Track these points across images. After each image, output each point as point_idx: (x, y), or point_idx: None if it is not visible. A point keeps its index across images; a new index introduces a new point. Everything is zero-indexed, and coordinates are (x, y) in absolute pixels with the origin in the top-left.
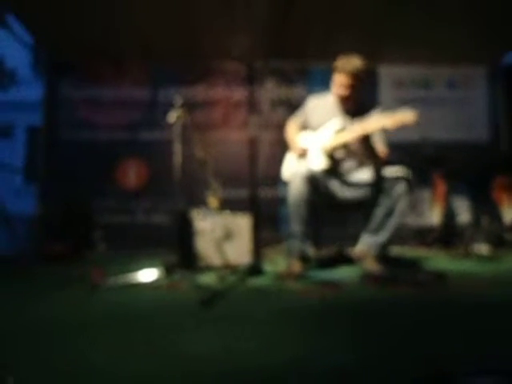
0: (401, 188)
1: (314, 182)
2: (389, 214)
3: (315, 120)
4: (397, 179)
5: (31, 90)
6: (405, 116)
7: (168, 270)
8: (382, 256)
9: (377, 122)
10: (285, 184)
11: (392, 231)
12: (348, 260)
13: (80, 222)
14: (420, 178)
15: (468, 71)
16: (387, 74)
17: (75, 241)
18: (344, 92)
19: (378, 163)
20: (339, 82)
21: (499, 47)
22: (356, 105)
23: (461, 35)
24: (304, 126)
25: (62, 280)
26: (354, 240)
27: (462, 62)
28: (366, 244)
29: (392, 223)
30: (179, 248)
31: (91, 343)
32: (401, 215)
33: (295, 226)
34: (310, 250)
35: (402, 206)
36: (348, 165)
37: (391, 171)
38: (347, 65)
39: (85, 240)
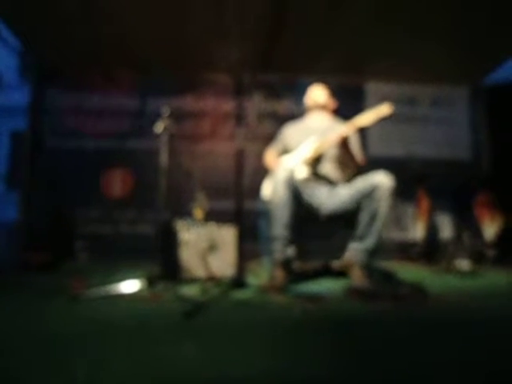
0: (382, 190)
1: (295, 188)
2: (373, 218)
3: (294, 144)
4: (378, 182)
5: (17, 95)
6: (379, 110)
7: (150, 282)
8: (369, 266)
9: (354, 123)
10: (263, 203)
11: (378, 235)
12: (332, 273)
13: (63, 231)
14: (405, 194)
15: (451, 91)
16: (374, 90)
17: (57, 250)
18: (321, 97)
19: (356, 168)
20: (313, 92)
21: (481, 69)
22: (332, 119)
23: (444, 56)
24: (283, 153)
25: (41, 290)
26: (340, 254)
27: (446, 81)
28: (353, 252)
29: (377, 227)
30: (163, 259)
31: (71, 355)
32: (384, 217)
33: (277, 230)
34: (293, 253)
35: (384, 208)
36: (331, 177)
37: (373, 175)
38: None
39: (67, 250)
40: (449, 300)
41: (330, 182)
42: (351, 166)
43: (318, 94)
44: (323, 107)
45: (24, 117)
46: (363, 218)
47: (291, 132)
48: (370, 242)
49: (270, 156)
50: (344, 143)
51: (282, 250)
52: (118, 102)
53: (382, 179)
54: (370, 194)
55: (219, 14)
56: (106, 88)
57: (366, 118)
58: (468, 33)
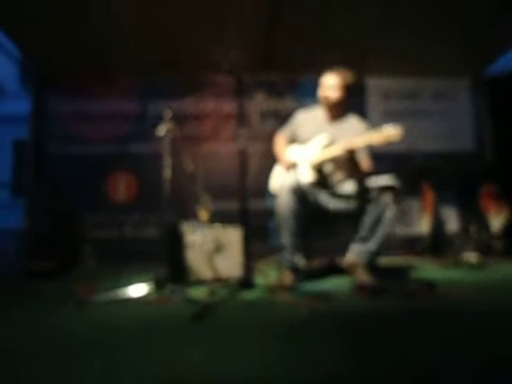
0: (388, 197)
1: (302, 194)
2: (377, 222)
3: (304, 133)
4: (384, 188)
5: (19, 104)
6: (391, 133)
7: (158, 285)
8: (372, 265)
9: (364, 139)
10: (272, 196)
11: (381, 240)
12: (339, 271)
13: (68, 236)
14: (409, 188)
15: (452, 83)
16: (375, 86)
17: (63, 256)
18: (332, 94)
19: (362, 176)
20: (327, 83)
21: (481, 60)
22: (343, 115)
23: (444, 48)
24: (292, 140)
25: (50, 296)
26: (345, 251)
27: (447, 74)
28: (355, 253)
29: (381, 232)
30: (169, 262)
31: (81, 359)
32: (389, 224)
33: (284, 238)
34: (301, 262)
35: (389, 214)
36: (336, 177)
37: (379, 180)
38: (335, 69)
39: (73, 255)
40: (457, 293)
41: (334, 187)
42: (356, 173)
43: (330, 88)
44: (336, 103)
45: (27, 124)
46: (367, 221)
47: (303, 121)
48: (372, 245)
49: (279, 143)
50: (351, 154)
51: (291, 257)
52: (119, 107)
53: (388, 183)
54: (375, 200)
55: (218, 15)
56: (107, 92)
57: (377, 138)
58: (467, 24)
